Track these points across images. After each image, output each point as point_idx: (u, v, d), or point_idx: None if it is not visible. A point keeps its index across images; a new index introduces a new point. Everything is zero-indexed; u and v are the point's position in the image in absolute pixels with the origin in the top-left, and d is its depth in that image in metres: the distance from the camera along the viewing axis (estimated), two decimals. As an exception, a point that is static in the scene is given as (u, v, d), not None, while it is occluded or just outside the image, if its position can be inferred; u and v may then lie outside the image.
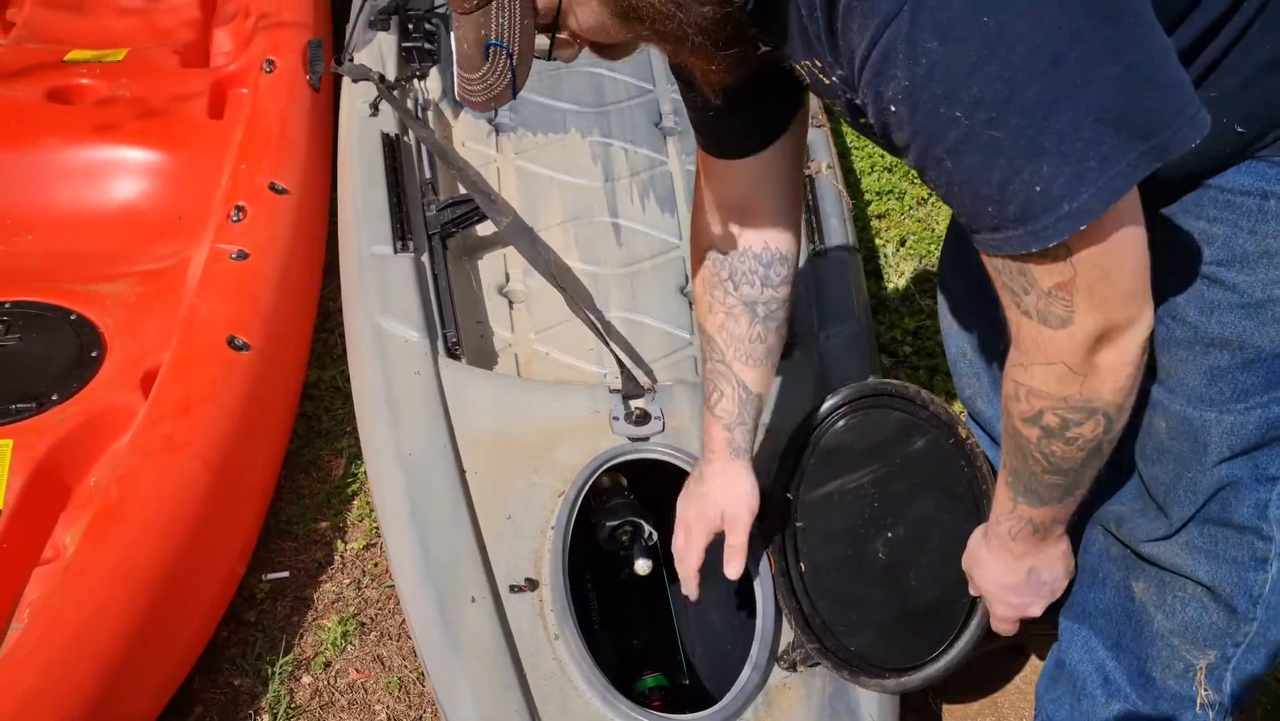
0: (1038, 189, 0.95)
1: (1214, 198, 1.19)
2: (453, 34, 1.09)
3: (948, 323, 1.80)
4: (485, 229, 2.29)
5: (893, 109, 0.99)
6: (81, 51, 2.81)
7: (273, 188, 2.32)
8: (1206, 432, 1.32)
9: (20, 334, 2.09)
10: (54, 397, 1.95)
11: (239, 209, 2.24)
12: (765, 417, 1.81)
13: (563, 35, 1.09)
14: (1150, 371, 1.33)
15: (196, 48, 2.99)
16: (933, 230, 2.80)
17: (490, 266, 2.29)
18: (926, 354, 2.53)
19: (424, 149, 2.33)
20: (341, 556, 2.09)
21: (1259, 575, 1.38)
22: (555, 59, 1.11)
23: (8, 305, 2.14)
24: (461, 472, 1.74)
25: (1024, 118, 0.93)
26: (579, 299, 2.14)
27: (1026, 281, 1.04)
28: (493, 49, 1.05)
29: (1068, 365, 1.08)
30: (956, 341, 1.80)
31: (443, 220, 2.17)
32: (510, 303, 2.23)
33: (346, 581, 2.05)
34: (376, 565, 2.07)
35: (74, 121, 2.56)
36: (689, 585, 1.61)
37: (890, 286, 2.69)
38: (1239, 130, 1.14)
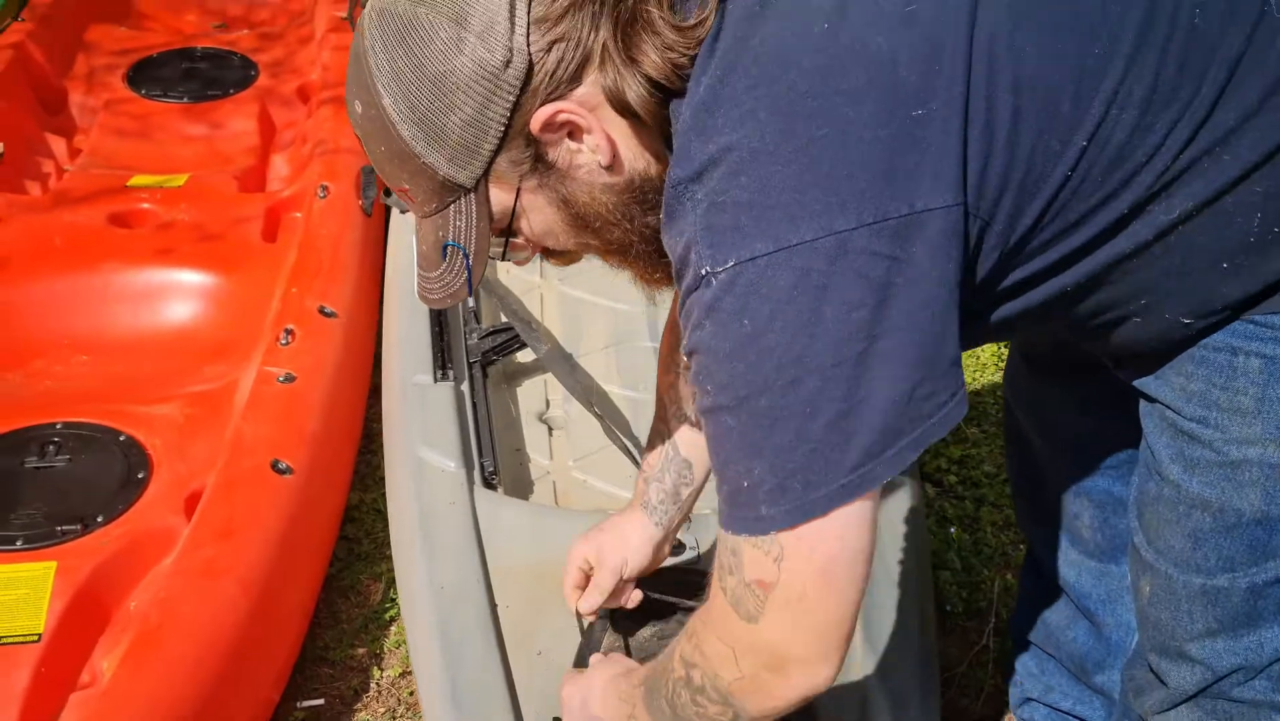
0: (745, 484, 1.01)
1: (1190, 353, 1.18)
2: (414, 234, 1.15)
3: (1011, 452, 1.78)
4: (526, 356, 2.32)
5: (687, 354, 1.06)
6: (144, 177, 2.91)
7: (322, 311, 2.36)
8: (1191, 600, 1.28)
9: (70, 454, 2.13)
10: (99, 519, 1.97)
11: (288, 332, 2.28)
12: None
13: (517, 239, 1.15)
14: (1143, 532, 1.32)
15: (255, 173, 3.08)
16: (977, 356, 2.79)
17: (530, 393, 2.30)
18: (972, 483, 2.49)
19: (469, 276, 2.37)
20: (378, 684, 2.08)
21: None
22: (509, 260, 1.17)
23: (59, 426, 2.18)
24: (493, 607, 1.73)
25: (753, 420, 0.99)
26: (617, 426, 2.14)
27: (735, 562, 1.05)
28: (450, 249, 1.10)
29: (737, 657, 1.09)
30: (1018, 464, 1.77)
31: (484, 348, 2.19)
32: (550, 429, 2.24)
33: (382, 710, 2.03)
34: (412, 694, 2.05)
35: (134, 245, 2.64)
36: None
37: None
38: (1184, 320, 1.14)
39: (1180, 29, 1.01)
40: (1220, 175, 1.04)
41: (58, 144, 3.10)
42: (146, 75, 3.35)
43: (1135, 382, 1.27)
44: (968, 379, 2.74)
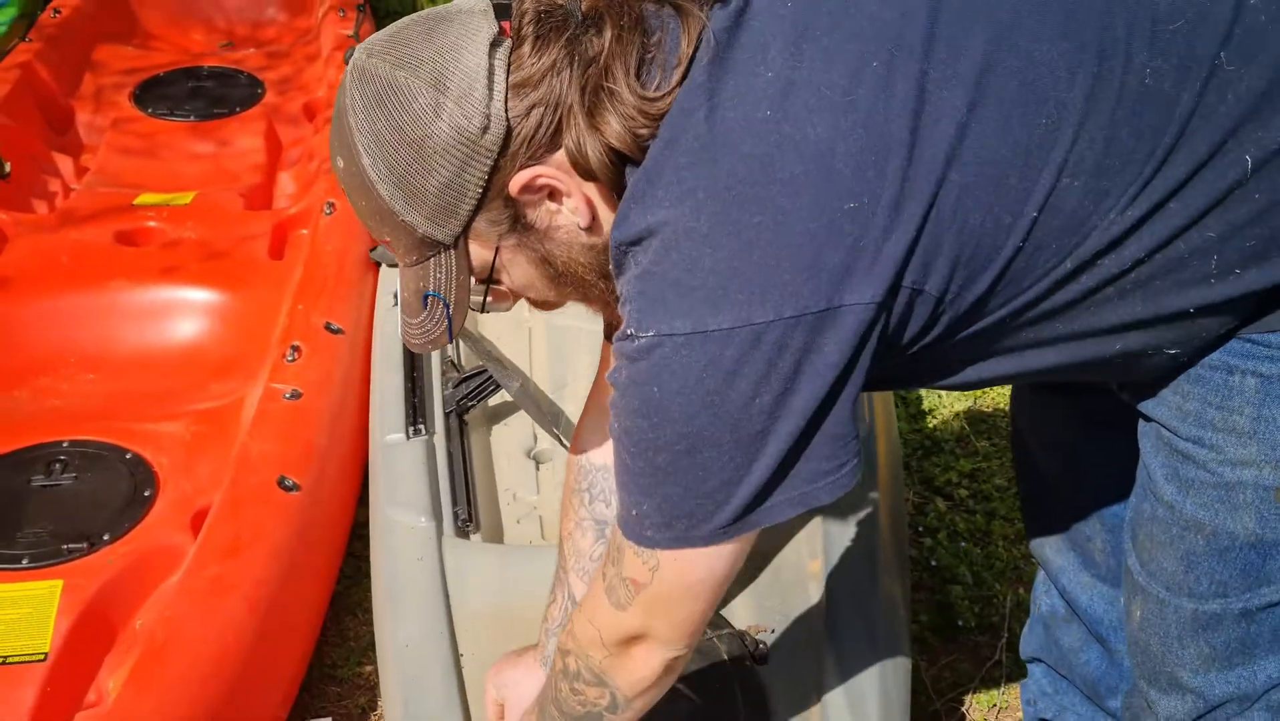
0: (634, 511, 1.11)
1: (1188, 372, 1.17)
2: (398, 281, 1.18)
3: (1020, 471, 1.76)
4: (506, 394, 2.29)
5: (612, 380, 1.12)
6: (151, 195, 2.91)
7: (328, 327, 2.35)
8: (1182, 626, 1.27)
9: (76, 473, 2.12)
10: (105, 537, 1.97)
11: (294, 348, 2.27)
12: (761, 544, 1.76)
13: (500, 288, 1.18)
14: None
15: (261, 190, 3.08)
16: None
17: (517, 431, 2.27)
18: (983, 497, 2.48)
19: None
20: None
21: None
22: (490, 310, 1.20)
23: (66, 444, 2.18)
24: (457, 657, 1.71)
25: (649, 469, 1.07)
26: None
27: (618, 557, 1.15)
28: (430, 299, 1.13)
29: (603, 636, 1.21)
30: (1027, 484, 1.75)
31: (459, 396, 2.17)
32: (538, 464, 2.22)
33: (389, 728, 2.01)
34: (420, 711, 2.03)
35: (140, 263, 2.64)
36: None
37: (944, 426, 2.65)
38: (1171, 352, 1.14)
39: (1130, 92, 1.01)
40: (1169, 224, 1.04)
41: (64, 163, 3.10)
42: (153, 94, 3.35)
43: (1131, 402, 1.26)
44: (983, 391, 2.73)
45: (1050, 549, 1.70)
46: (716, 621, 1.65)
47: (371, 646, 2.13)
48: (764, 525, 1.08)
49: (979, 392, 2.72)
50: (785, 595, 1.72)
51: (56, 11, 3.49)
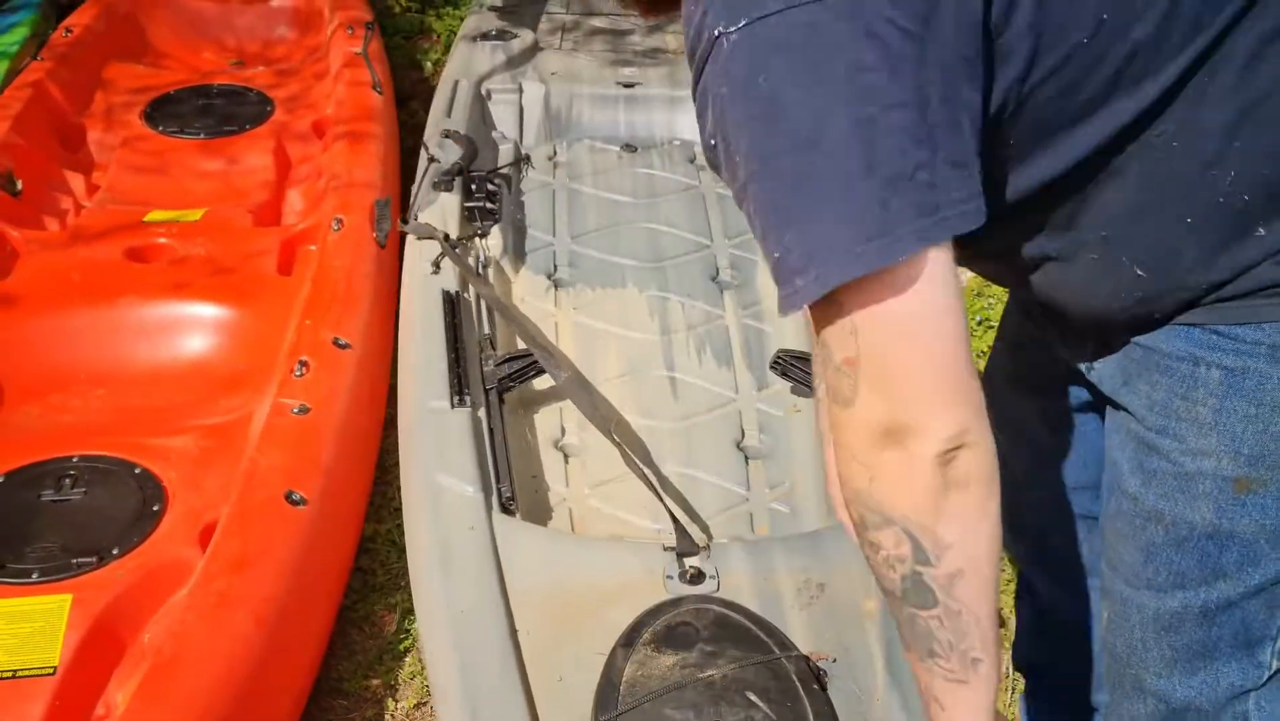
0: (777, 255, 1.00)
1: (1155, 361, 1.18)
2: None
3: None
4: (542, 383, 2.31)
5: (712, 142, 1.05)
6: (161, 212, 2.94)
7: (336, 342, 2.37)
8: (1144, 626, 1.27)
9: (86, 487, 2.13)
10: (114, 551, 1.98)
11: (302, 364, 2.28)
12: (819, 575, 1.78)
13: None
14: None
15: (270, 207, 3.10)
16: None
17: (547, 420, 2.30)
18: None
19: (484, 305, 2.38)
20: (393, 715, 2.07)
21: None
22: None
23: (76, 459, 2.19)
24: (514, 632, 1.72)
25: (777, 183, 0.98)
26: (634, 453, 2.14)
27: (825, 353, 1.03)
28: None
29: (853, 452, 1.04)
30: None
31: (500, 375, 2.19)
32: (566, 456, 2.23)
33: (396, 741, 2.02)
34: (427, 725, 2.04)
35: (150, 280, 2.66)
36: None
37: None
38: (1139, 273, 1.13)
39: None
40: (1209, 92, 1.04)
41: (76, 181, 3.12)
42: (164, 112, 3.38)
43: (1104, 388, 1.26)
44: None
45: (1024, 552, 1.72)
46: (783, 642, 1.67)
47: (379, 660, 2.15)
48: (915, 243, 0.96)
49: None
50: (841, 629, 1.72)
51: (68, 31, 3.52)
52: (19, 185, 2.92)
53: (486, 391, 2.16)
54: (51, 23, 3.84)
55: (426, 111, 3.90)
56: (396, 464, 2.38)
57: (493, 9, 3.57)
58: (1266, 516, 1.17)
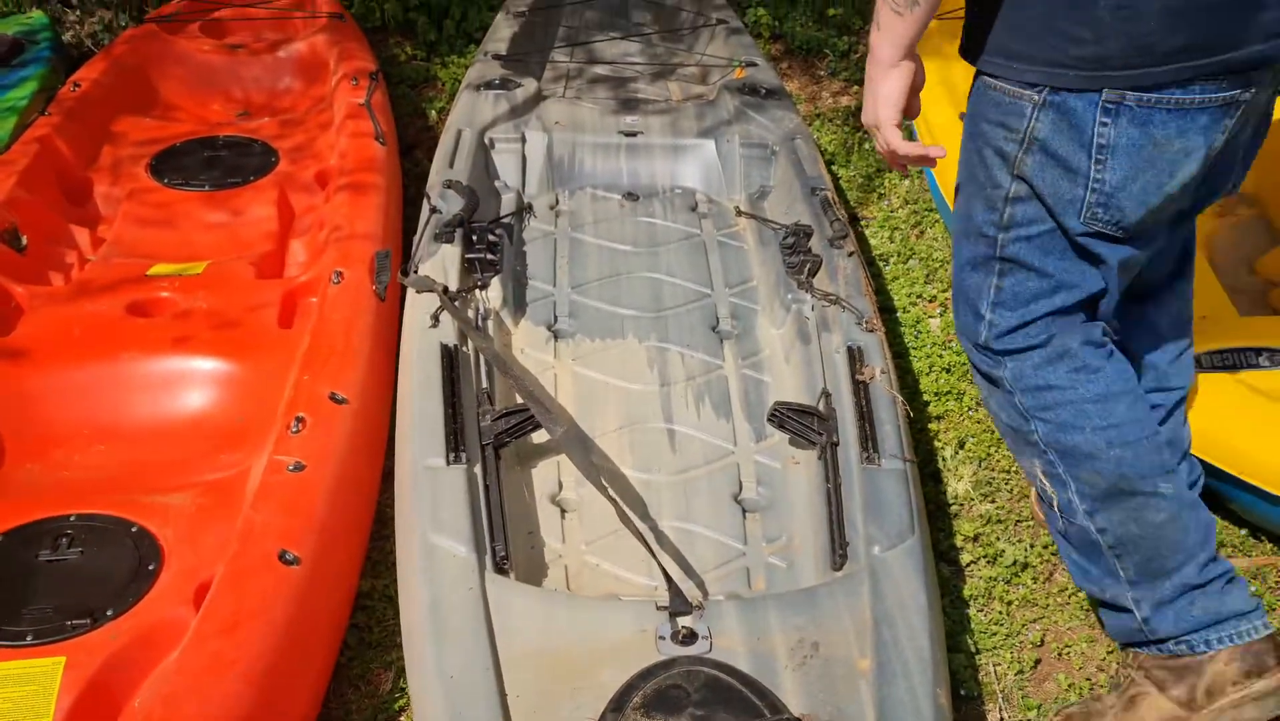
0: None
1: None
2: None
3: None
4: (540, 436, 2.31)
5: None
6: (164, 265, 2.95)
7: (333, 397, 2.37)
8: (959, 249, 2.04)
9: (82, 547, 2.13)
10: (109, 612, 1.97)
11: (299, 420, 2.28)
12: (813, 633, 1.76)
13: None
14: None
15: (273, 259, 3.11)
16: (992, 432, 2.75)
17: (544, 474, 2.29)
18: (987, 560, 2.45)
19: (482, 358, 2.38)
20: (388, 776, 2.05)
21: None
22: None
23: (73, 518, 2.19)
24: (503, 696, 1.70)
25: None
26: (631, 509, 2.13)
27: None
28: None
29: None
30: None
31: (497, 430, 2.19)
32: (563, 511, 2.22)
33: (391, 803, 2.00)
34: (422, 786, 2.02)
35: (152, 335, 2.66)
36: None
37: (949, 490, 2.63)
38: None
39: None
40: None
41: (81, 234, 3.14)
42: (170, 164, 3.41)
43: None
44: (987, 455, 2.71)
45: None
46: (775, 705, 1.66)
47: (373, 719, 2.13)
48: None
49: (984, 454, 2.70)
50: (835, 689, 1.71)
51: (76, 85, 3.55)
52: (24, 240, 2.94)
53: (483, 447, 2.15)
54: (60, 76, 3.89)
55: (429, 160, 3.94)
56: (393, 519, 2.38)
57: (496, 58, 3.59)
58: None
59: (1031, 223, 1.88)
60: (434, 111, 4.26)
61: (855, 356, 2.36)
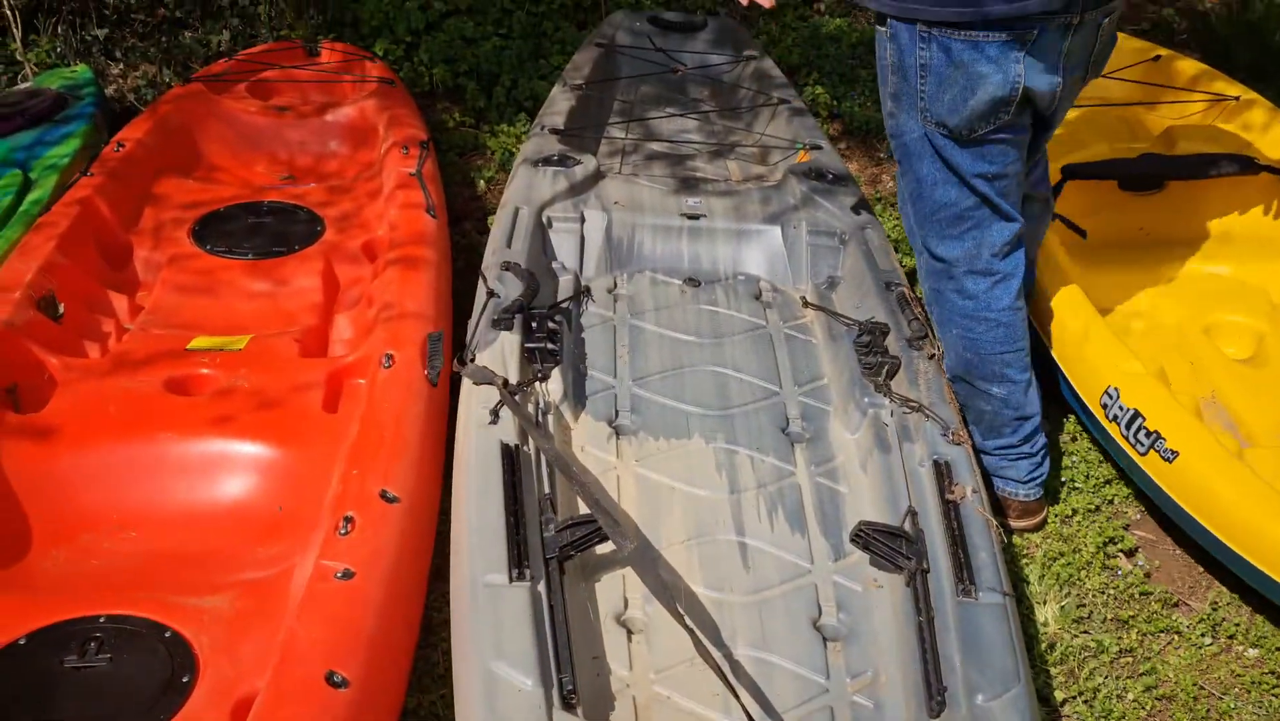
0: None
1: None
2: None
3: None
4: (604, 546, 2.15)
5: None
6: (205, 339, 2.82)
7: (384, 496, 2.22)
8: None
9: (112, 653, 1.99)
10: (139, 732, 1.82)
11: (348, 520, 2.13)
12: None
13: None
14: None
15: (317, 334, 2.98)
16: (1080, 551, 2.58)
17: (608, 590, 2.13)
18: (1084, 700, 2.27)
19: (543, 459, 2.23)
20: None
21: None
22: None
23: (103, 620, 2.05)
24: None
25: None
26: (703, 633, 1.97)
27: None
28: None
29: None
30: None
31: (561, 542, 2.03)
32: (629, 632, 2.06)
33: None
34: None
35: (191, 414, 2.53)
36: None
37: (1036, 616, 2.46)
38: None
39: None
40: None
41: (120, 301, 3.03)
42: (213, 230, 3.29)
43: None
44: (1072, 576, 2.54)
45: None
46: None
47: None
48: None
49: (1069, 574, 2.52)
50: None
51: (120, 145, 3.45)
52: (61, 308, 2.82)
53: (546, 561, 1.99)
54: (103, 133, 3.80)
55: (479, 232, 3.84)
56: (441, 624, 2.23)
57: (554, 132, 3.47)
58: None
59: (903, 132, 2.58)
60: (482, 181, 4.15)
61: (942, 471, 2.21)
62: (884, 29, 2.44)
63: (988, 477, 2.76)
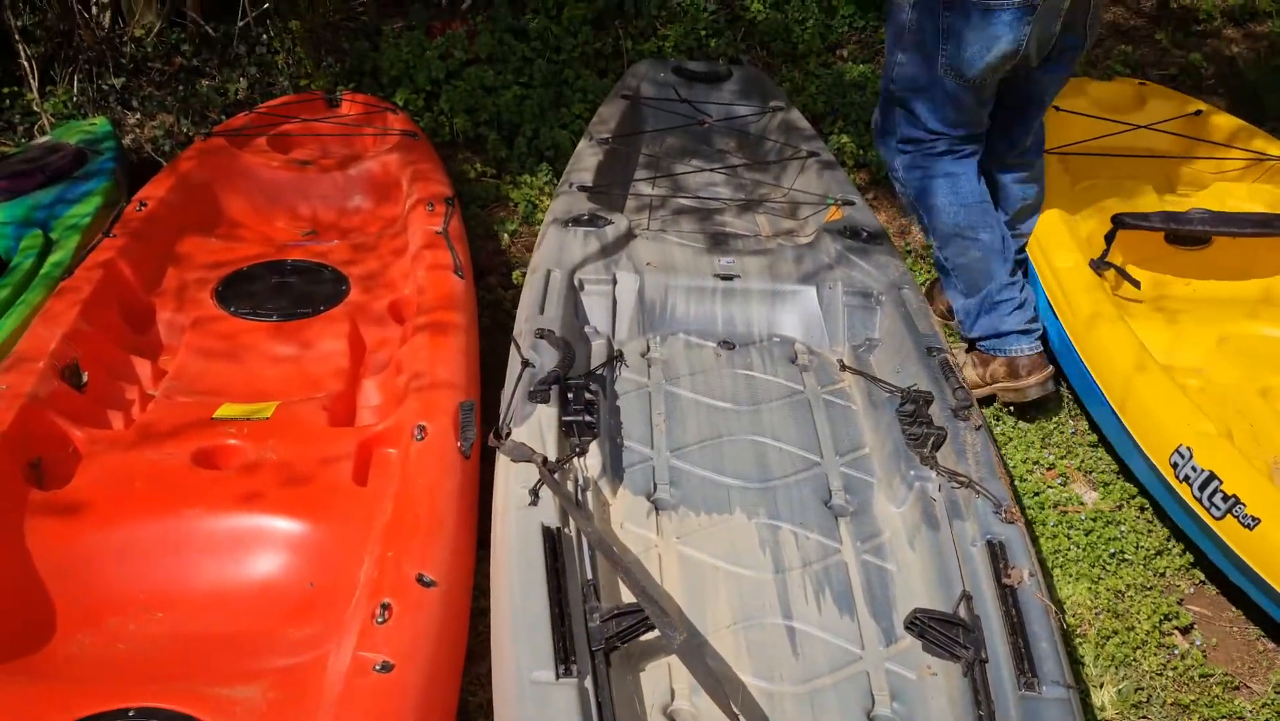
0: None
1: None
2: None
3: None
4: (649, 633, 2.08)
5: None
6: (231, 407, 2.76)
7: (421, 580, 2.15)
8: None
9: (141, 752, 1.91)
10: (171, 842, 1.75)
11: (385, 607, 2.06)
12: None
13: None
14: None
15: (345, 399, 2.92)
16: (1133, 629, 2.51)
17: (654, 679, 2.06)
18: None
19: (585, 542, 2.16)
20: None
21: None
22: None
23: (132, 713, 1.97)
24: None
25: None
26: (757, 731, 1.89)
27: None
28: None
29: None
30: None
31: (607, 633, 1.96)
32: (677, 726, 1.99)
33: None
34: None
35: (219, 489, 2.47)
36: None
37: (1093, 701, 2.38)
38: None
39: None
40: None
41: (143, 367, 2.97)
42: (236, 290, 3.24)
43: None
44: (1128, 657, 2.46)
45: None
46: None
47: None
48: None
49: (1125, 655, 2.44)
50: None
51: (142, 205, 3.40)
52: (85, 377, 2.76)
53: (593, 654, 1.92)
54: (123, 189, 3.76)
55: (503, 287, 3.78)
56: (475, 709, 2.16)
57: (582, 189, 3.42)
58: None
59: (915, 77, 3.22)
60: (506, 235, 4.10)
61: (997, 553, 2.14)
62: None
63: (990, 410, 3.38)
